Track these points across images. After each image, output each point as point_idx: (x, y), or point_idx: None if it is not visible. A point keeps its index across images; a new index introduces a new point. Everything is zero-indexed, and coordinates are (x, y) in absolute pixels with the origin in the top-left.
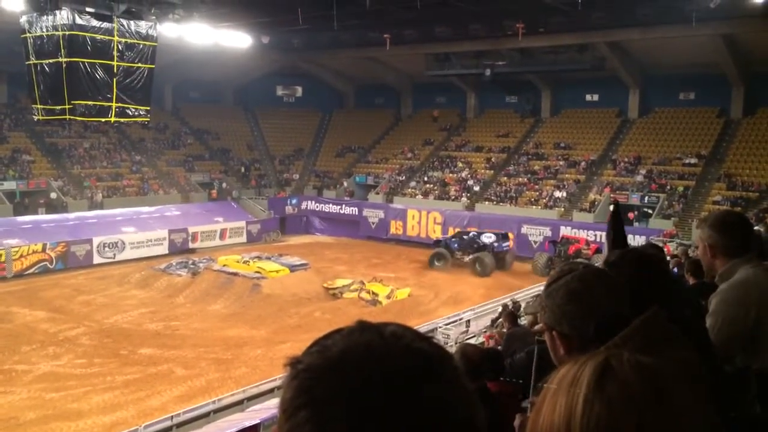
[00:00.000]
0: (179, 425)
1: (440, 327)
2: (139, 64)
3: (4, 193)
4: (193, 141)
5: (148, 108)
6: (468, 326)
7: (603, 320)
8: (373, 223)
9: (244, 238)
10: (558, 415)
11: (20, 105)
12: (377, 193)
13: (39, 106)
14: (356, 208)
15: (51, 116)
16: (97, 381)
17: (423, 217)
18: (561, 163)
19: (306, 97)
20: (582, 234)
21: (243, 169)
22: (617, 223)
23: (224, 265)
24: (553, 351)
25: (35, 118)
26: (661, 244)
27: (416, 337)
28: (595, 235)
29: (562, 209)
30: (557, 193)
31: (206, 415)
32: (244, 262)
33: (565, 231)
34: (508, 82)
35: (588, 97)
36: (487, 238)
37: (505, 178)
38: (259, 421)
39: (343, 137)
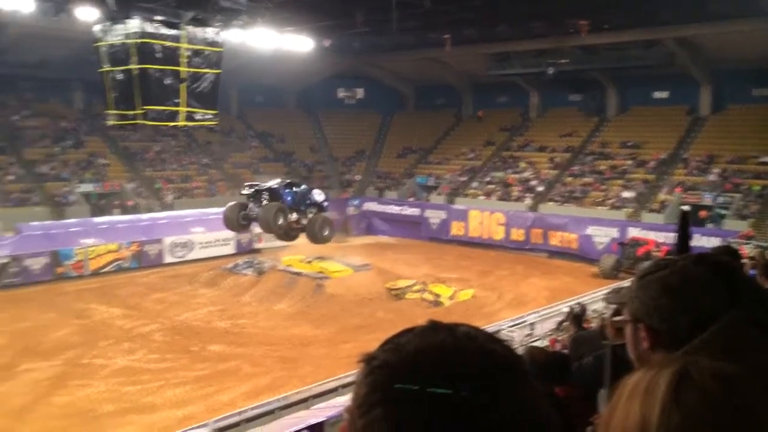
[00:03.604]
0: (247, 420)
1: (504, 329)
2: (206, 70)
3: (82, 195)
4: (258, 144)
5: (216, 112)
6: (532, 329)
7: (699, 317)
8: (435, 224)
9: (304, 239)
10: (632, 422)
11: (95, 111)
12: (439, 194)
13: (112, 111)
14: (418, 209)
15: (124, 121)
16: (169, 376)
17: (485, 218)
18: (629, 162)
19: (367, 98)
20: (651, 236)
21: (306, 171)
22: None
23: (288, 265)
24: (634, 345)
25: (109, 123)
26: (736, 246)
27: (489, 339)
28: (665, 237)
29: (630, 210)
30: (625, 194)
31: (272, 411)
32: (308, 262)
33: (633, 232)
34: (571, 80)
35: (656, 95)
36: (318, 195)
37: (570, 178)
38: (324, 419)
39: (404, 138)
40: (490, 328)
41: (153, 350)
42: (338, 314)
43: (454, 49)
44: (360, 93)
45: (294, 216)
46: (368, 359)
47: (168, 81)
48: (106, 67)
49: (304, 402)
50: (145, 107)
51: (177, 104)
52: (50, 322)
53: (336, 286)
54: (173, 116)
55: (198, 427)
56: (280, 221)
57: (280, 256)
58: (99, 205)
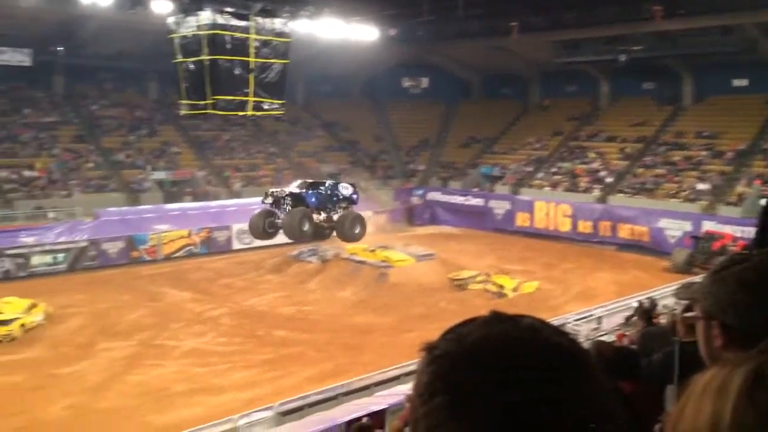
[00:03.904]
0: (310, 405)
1: (570, 322)
2: (274, 60)
3: (155, 182)
4: (323, 133)
5: (282, 102)
6: (599, 323)
7: None
8: (499, 215)
9: (372, 228)
10: (703, 420)
11: (169, 101)
12: (503, 185)
13: (185, 101)
14: (482, 200)
15: (195, 111)
16: (236, 359)
17: (551, 210)
18: (704, 153)
19: (431, 88)
20: (727, 229)
21: (370, 160)
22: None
23: (352, 254)
24: (706, 342)
25: (181, 112)
26: None
27: (554, 332)
28: (742, 231)
29: (705, 203)
30: (700, 186)
31: (335, 397)
32: (371, 251)
33: (708, 226)
34: (644, 67)
35: (735, 83)
36: (345, 189)
37: (641, 169)
38: (386, 406)
39: (469, 128)
40: (555, 321)
41: (221, 334)
42: (401, 303)
43: (521, 36)
44: (425, 82)
45: (322, 216)
46: (430, 348)
47: (237, 71)
48: (179, 58)
49: (367, 389)
50: (215, 97)
51: (245, 94)
52: (126, 303)
53: (399, 275)
54: (242, 106)
55: (263, 409)
56: (306, 227)
57: (344, 245)
58: (171, 192)
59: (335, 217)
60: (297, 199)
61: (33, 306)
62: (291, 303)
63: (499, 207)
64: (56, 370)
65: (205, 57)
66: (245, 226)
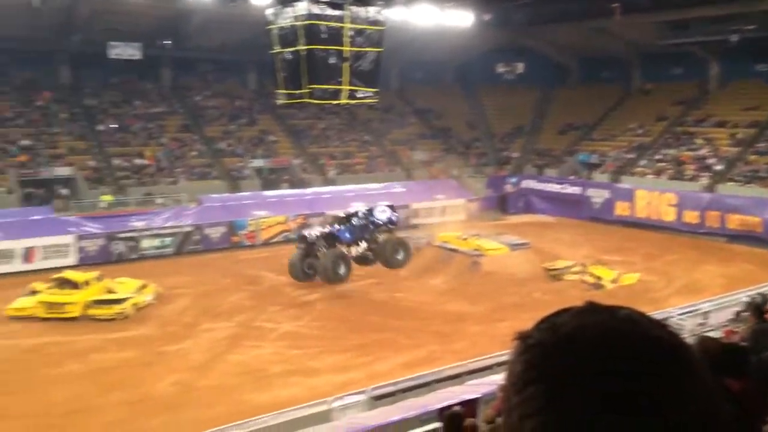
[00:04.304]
0: (402, 391)
1: (674, 317)
2: (368, 49)
3: (254, 170)
4: (416, 120)
5: (376, 90)
6: (706, 318)
7: None
8: (597, 204)
9: (463, 216)
10: None
11: (266, 91)
12: (602, 173)
13: (282, 91)
14: (579, 188)
15: (292, 100)
16: (330, 343)
17: (654, 198)
18: None
19: (526, 73)
20: None
21: (463, 148)
22: None
23: (444, 242)
24: None
25: (279, 102)
26: None
27: (654, 324)
28: None
29: None
30: None
31: (428, 384)
32: (464, 240)
33: None
34: (758, 48)
35: None
36: (382, 212)
37: (754, 156)
38: (479, 396)
39: (566, 114)
40: (657, 315)
41: (315, 318)
42: (493, 292)
43: (624, 17)
44: (520, 67)
45: (363, 245)
46: (524, 337)
47: (332, 60)
48: (277, 49)
49: (458, 377)
50: (311, 86)
51: (340, 83)
52: (227, 286)
53: (492, 264)
54: (336, 95)
55: (357, 393)
56: (341, 270)
57: (436, 233)
58: (269, 179)
59: (380, 239)
60: (330, 238)
61: (143, 286)
62: (383, 289)
63: (597, 195)
64: (164, 347)
65: (301, 47)
66: (339, 213)
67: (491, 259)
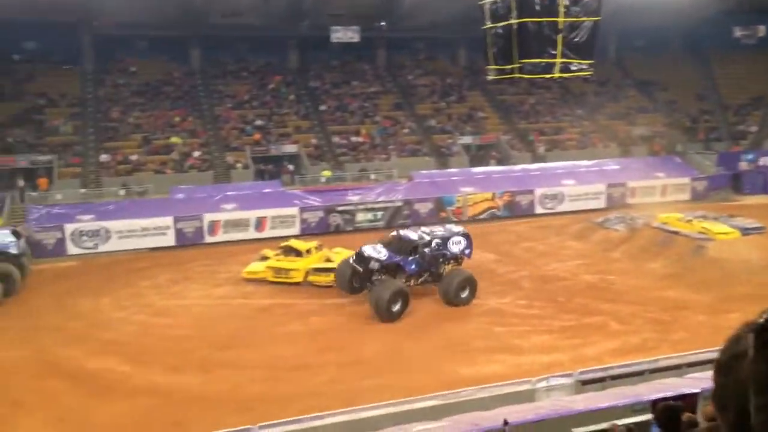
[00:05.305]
0: (613, 378)
1: None
2: (584, 18)
3: (462, 147)
4: (635, 93)
5: (591, 62)
6: None
7: None
8: None
9: (687, 196)
10: None
11: (476, 67)
12: None
13: (492, 66)
14: None
15: (502, 75)
16: (536, 322)
17: None
18: None
19: None
20: None
21: (690, 122)
22: None
23: (664, 223)
24: None
25: (489, 78)
26: None
27: None
28: None
29: None
30: None
31: (640, 373)
32: (687, 221)
33: None
34: None
35: None
36: (456, 244)
37: None
38: (699, 390)
39: None
40: None
41: (521, 296)
42: (721, 280)
43: None
44: (761, 30)
45: (424, 276)
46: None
47: (545, 33)
48: (488, 24)
49: (677, 369)
50: (522, 61)
51: (553, 56)
52: None
53: (720, 249)
54: (548, 68)
55: (563, 375)
56: (397, 308)
57: (655, 213)
58: (477, 155)
59: (444, 271)
60: (393, 269)
61: None
62: (593, 271)
63: None
64: (374, 315)
65: (513, 20)
66: (549, 190)
67: (720, 243)
